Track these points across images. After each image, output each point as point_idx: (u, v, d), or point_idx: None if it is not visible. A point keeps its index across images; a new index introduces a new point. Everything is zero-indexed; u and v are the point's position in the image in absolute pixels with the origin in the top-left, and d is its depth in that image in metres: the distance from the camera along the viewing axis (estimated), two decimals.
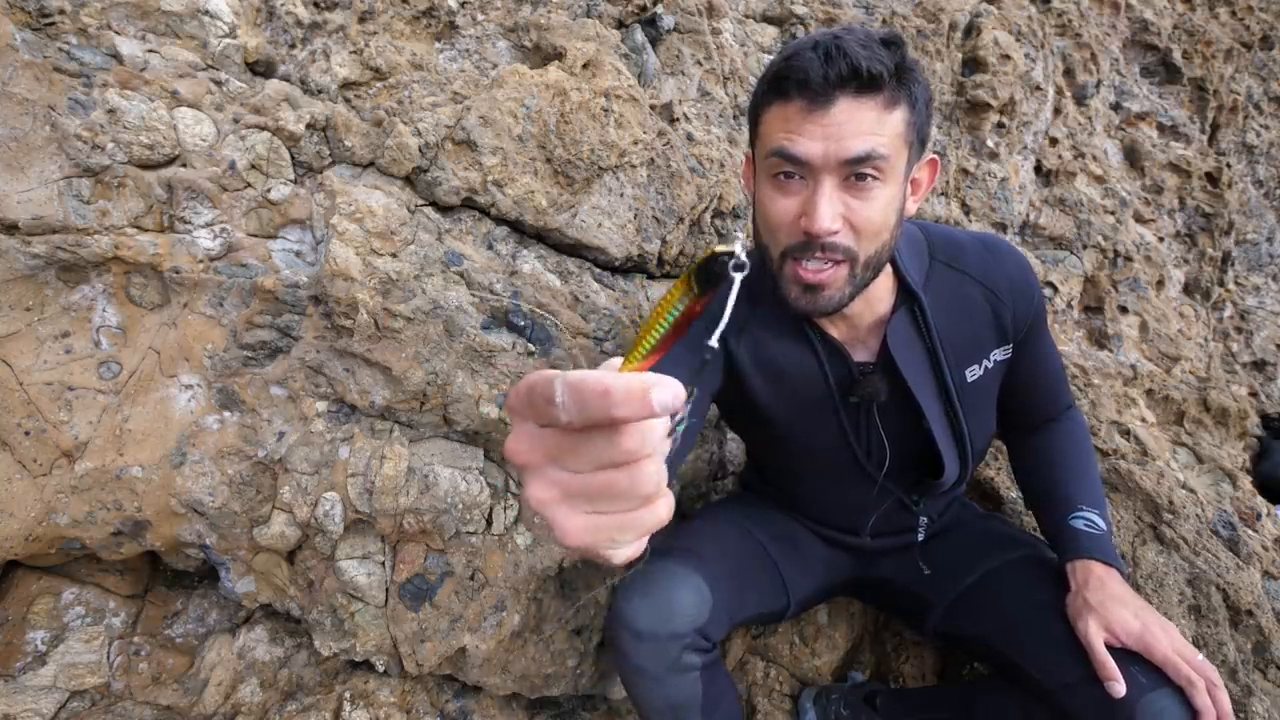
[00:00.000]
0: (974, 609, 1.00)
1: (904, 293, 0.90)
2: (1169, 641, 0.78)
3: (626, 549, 0.33)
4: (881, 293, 0.89)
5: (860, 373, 0.93)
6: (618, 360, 0.35)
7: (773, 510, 1.15)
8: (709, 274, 0.33)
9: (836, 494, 1.07)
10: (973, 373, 0.94)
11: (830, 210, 0.73)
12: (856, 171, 0.72)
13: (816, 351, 0.93)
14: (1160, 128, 2.08)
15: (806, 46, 0.72)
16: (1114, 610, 0.82)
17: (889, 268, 0.89)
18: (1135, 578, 1.20)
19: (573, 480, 0.32)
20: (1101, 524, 0.92)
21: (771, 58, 0.76)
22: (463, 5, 1.26)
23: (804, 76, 0.70)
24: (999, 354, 0.95)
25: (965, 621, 1.01)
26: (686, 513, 1.32)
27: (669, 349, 0.34)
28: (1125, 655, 0.79)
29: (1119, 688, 0.77)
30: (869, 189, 0.74)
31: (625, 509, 0.32)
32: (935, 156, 0.83)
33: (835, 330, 0.93)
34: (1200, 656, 0.77)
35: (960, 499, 1.15)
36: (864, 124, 0.71)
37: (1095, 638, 0.81)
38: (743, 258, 0.32)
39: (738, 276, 0.32)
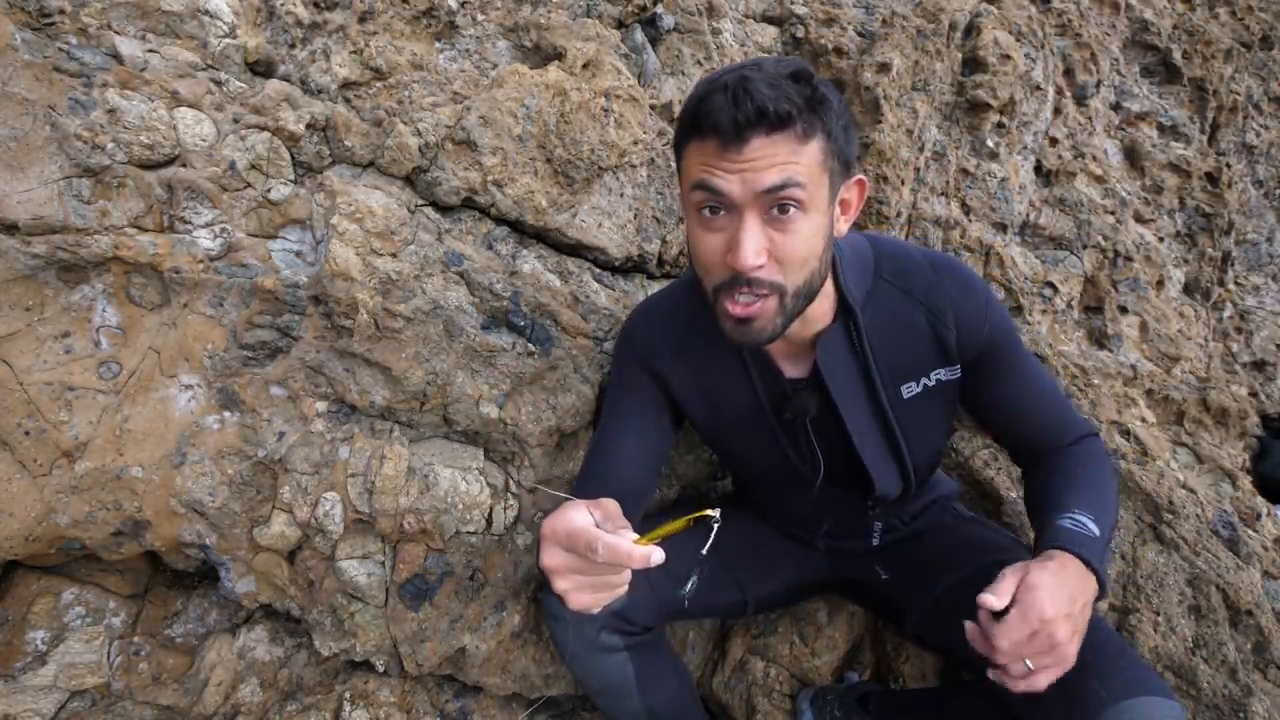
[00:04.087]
0: (945, 617, 1.00)
1: (842, 308, 0.91)
2: (1052, 616, 0.71)
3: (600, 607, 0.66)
4: (820, 309, 0.89)
5: (792, 389, 0.95)
6: (633, 535, 0.60)
7: (735, 512, 1.18)
8: (700, 520, 0.62)
9: (787, 500, 1.09)
10: (909, 389, 0.94)
11: (753, 245, 0.74)
12: (778, 203, 0.73)
13: (748, 369, 0.95)
14: (1160, 128, 2.08)
15: (717, 88, 0.73)
16: (1040, 572, 0.75)
17: (829, 283, 0.89)
18: (1135, 578, 1.20)
19: (584, 579, 0.63)
20: (1093, 527, 0.84)
21: (691, 93, 0.78)
22: (463, 5, 1.26)
23: (715, 120, 0.72)
24: (942, 374, 0.95)
25: (938, 627, 1.02)
26: None
27: (665, 542, 0.62)
28: (1088, 669, 0.77)
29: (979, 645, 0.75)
30: (791, 221, 0.75)
31: (610, 591, 0.64)
32: (862, 177, 0.84)
33: (772, 346, 0.93)
34: (1057, 656, 0.72)
35: (943, 502, 1.15)
36: (778, 157, 0.72)
37: (1010, 571, 0.76)
38: (718, 517, 0.63)
39: (716, 526, 0.63)
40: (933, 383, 0.95)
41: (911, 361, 0.94)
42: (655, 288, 1.32)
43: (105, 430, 0.97)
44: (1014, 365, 0.97)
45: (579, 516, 0.62)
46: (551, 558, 0.62)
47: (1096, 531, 0.84)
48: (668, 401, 1.01)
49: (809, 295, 0.81)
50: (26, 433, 0.94)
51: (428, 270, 1.07)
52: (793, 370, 0.95)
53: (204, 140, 1.00)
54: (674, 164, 0.88)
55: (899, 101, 1.57)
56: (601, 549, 0.57)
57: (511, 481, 1.13)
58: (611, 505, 0.65)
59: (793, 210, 0.74)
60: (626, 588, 0.65)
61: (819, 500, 1.04)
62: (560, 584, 0.62)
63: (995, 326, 0.94)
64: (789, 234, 0.75)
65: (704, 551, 0.67)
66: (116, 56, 0.98)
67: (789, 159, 0.72)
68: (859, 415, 0.94)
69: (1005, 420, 1.00)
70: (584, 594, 0.63)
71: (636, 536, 0.60)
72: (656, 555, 0.57)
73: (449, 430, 1.11)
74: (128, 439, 0.98)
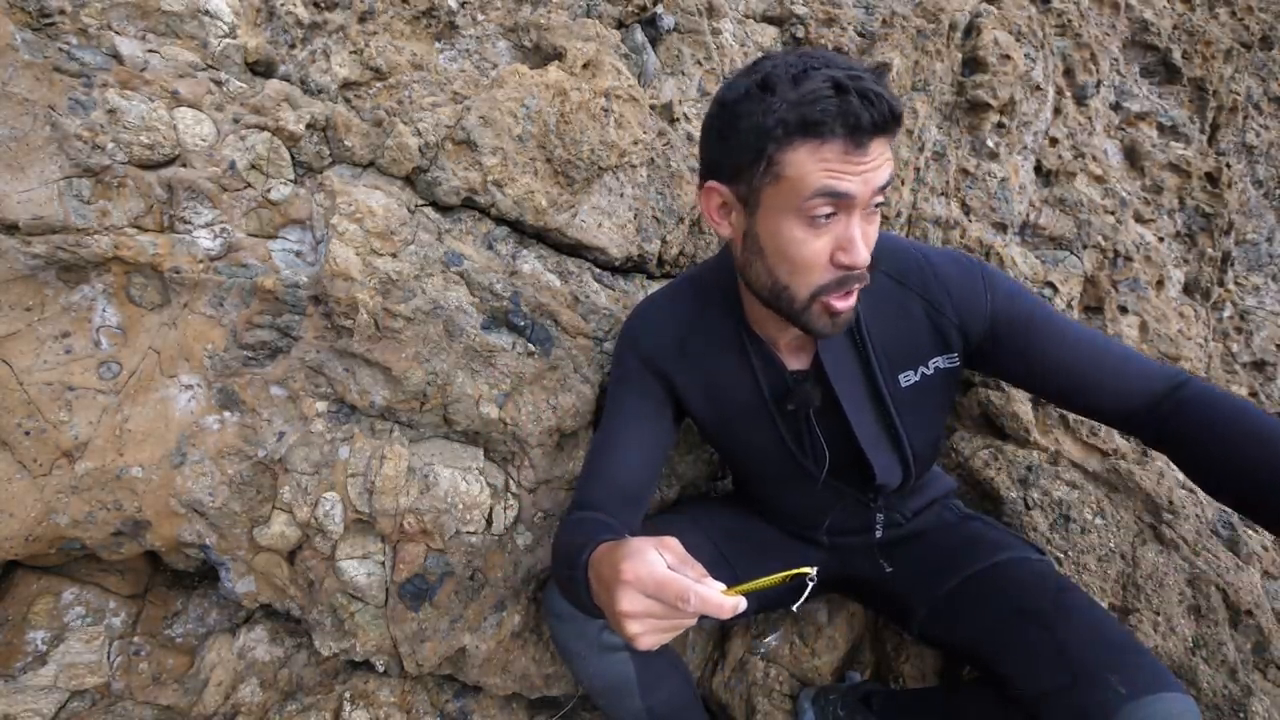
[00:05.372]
0: (954, 615, 1.01)
1: None
2: None
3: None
4: None
5: (794, 381, 0.95)
6: (719, 585, 0.60)
7: (735, 509, 1.18)
8: (797, 578, 0.61)
9: (789, 495, 1.09)
10: (907, 378, 0.95)
11: (864, 242, 0.77)
12: (877, 200, 0.77)
13: (751, 363, 0.96)
14: (1160, 128, 2.08)
15: (829, 88, 0.71)
16: None
17: None
18: (1135, 578, 1.20)
19: (659, 623, 0.62)
20: None
21: (778, 92, 0.74)
22: (463, 5, 1.26)
23: (853, 122, 0.71)
24: (941, 361, 0.96)
25: (946, 627, 1.02)
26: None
27: (757, 593, 0.62)
28: (1105, 665, 0.78)
29: None
30: (876, 215, 0.79)
31: (676, 631, 0.63)
32: None
33: (776, 338, 0.95)
34: None
35: (944, 499, 1.15)
36: (885, 155, 0.75)
37: None
38: (813, 575, 0.61)
39: (810, 584, 0.62)
40: (931, 371, 0.96)
41: (909, 351, 0.95)
42: (655, 288, 1.32)
43: (105, 430, 0.97)
44: (1051, 333, 0.91)
45: (657, 561, 0.61)
46: (632, 604, 0.61)
47: None
48: (670, 399, 1.01)
49: None
50: (26, 433, 0.94)
51: (428, 270, 1.07)
52: (794, 362, 0.96)
53: (204, 140, 1.00)
54: (722, 165, 0.82)
55: None
56: (694, 600, 0.57)
57: (511, 481, 1.13)
58: (676, 544, 0.64)
59: (880, 206, 0.78)
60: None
61: (821, 494, 1.04)
62: (634, 628, 0.62)
63: (1001, 302, 0.92)
64: (873, 226, 0.79)
65: (795, 608, 0.69)
66: (116, 56, 0.98)
67: (889, 156, 0.76)
68: (859, 404, 0.95)
69: (1075, 388, 0.92)
70: (655, 635, 0.63)
71: (724, 586, 0.60)
72: (741, 604, 0.58)
73: (449, 430, 1.11)
74: (128, 439, 0.98)
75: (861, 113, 0.70)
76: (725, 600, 0.57)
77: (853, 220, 0.76)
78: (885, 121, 0.71)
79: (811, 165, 0.74)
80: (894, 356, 0.95)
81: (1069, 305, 1.71)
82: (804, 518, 1.11)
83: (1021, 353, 0.93)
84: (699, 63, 1.46)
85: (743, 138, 0.77)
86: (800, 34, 1.64)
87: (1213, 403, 0.83)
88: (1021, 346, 0.93)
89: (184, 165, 0.99)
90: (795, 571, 0.60)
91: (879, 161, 0.74)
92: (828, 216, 0.76)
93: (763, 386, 0.97)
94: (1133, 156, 2.00)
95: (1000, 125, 1.71)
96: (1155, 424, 0.87)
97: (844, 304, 0.81)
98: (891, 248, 0.97)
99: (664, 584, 0.59)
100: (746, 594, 0.60)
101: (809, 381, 0.95)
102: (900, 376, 0.95)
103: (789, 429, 0.99)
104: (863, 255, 0.76)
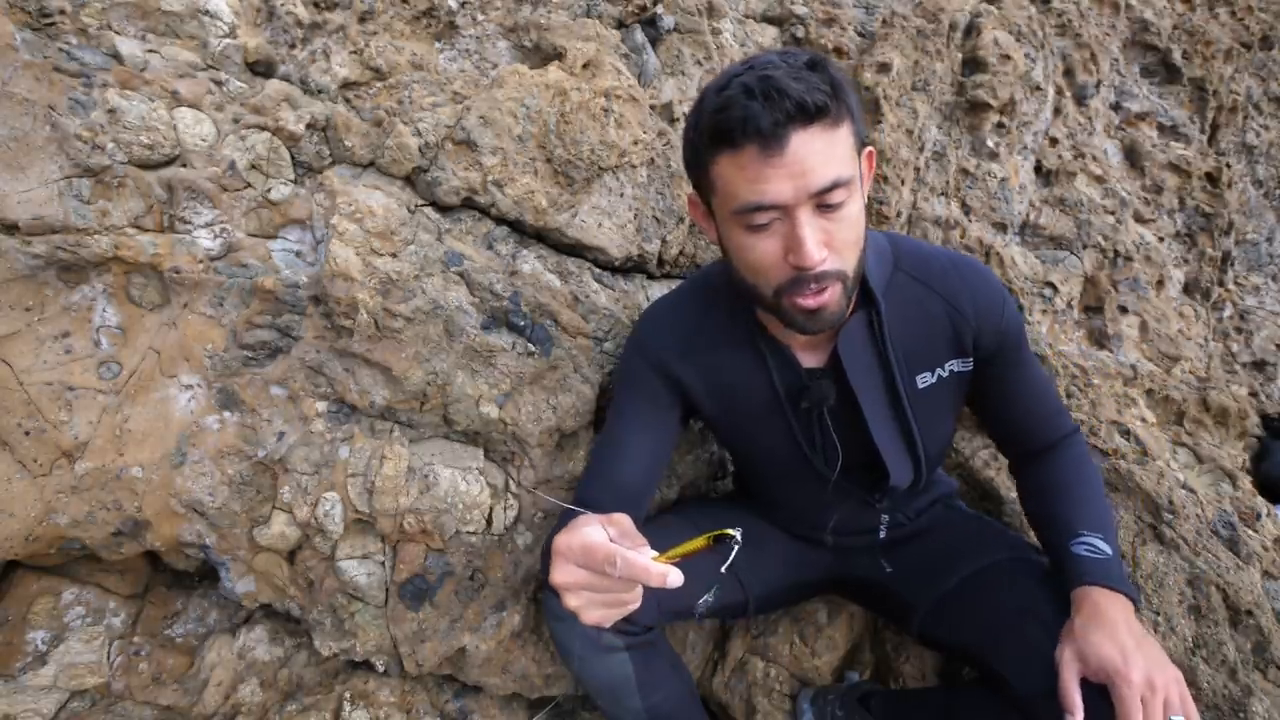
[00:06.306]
0: (954, 613, 1.01)
1: (863, 297, 0.92)
2: (1142, 680, 0.73)
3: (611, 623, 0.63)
4: None
5: (809, 378, 0.95)
6: (652, 551, 0.58)
7: (735, 510, 1.18)
8: (721, 540, 0.57)
9: (797, 495, 1.09)
10: (924, 379, 0.95)
11: (815, 241, 0.74)
12: (829, 198, 0.74)
13: (765, 360, 0.96)
14: (1160, 128, 2.08)
15: (740, 94, 0.71)
16: (1093, 637, 0.78)
17: None
18: (1135, 578, 1.20)
19: (594, 596, 0.61)
20: (1106, 548, 0.88)
21: (705, 104, 0.77)
22: (463, 5, 1.26)
23: (755, 126, 0.70)
24: (955, 365, 0.96)
25: (946, 626, 1.02)
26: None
27: (684, 560, 0.59)
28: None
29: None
30: (841, 209, 0.75)
31: (621, 608, 0.63)
32: (871, 148, 0.84)
33: (789, 335, 0.94)
34: (1170, 687, 0.73)
35: (946, 499, 1.15)
36: (821, 152, 0.72)
37: (1066, 666, 0.79)
38: (738, 538, 0.57)
39: (736, 547, 0.57)
40: (946, 373, 0.96)
41: (927, 352, 0.95)
42: (655, 287, 1.32)
43: (105, 430, 0.97)
44: (1020, 363, 0.99)
45: (594, 532, 0.60)
46: (564, 574, 0.60)
47: (1109, 550, 0.88)
48: (678, 401, 1.01)
49: (861, 271, 0.83)
50: (26, 433, 0.94)
51: (428, 270, 1.07)
52: (810, 360, 0.96)
53: (204, 140, 1.00)
54: (688, 176, 0.86)
55: (899, 101, 1.57)
56: (620, 564, 0.56)
57: (511, 481, 1.13)
58: (625, 520, 0.63)
59: (842, 201, 0.75)
60: (639, 604, 0.64)
61: (829, 494, 1.04)
62: (572, 601, 0.61)
63: (1010, 324, 0.95)
64: (840, 221, 0.76)
65: (723, 569, 0.65)
66: (116, 56, 0.98)
67: (830, 151, 0.72)
68: (876, 404, 0.94)
69: (1004, 414, 1.03)
70: (596, 610, 0.62)
71: (655, 554, 0.58)
72: (674, 577, 0.55)
73: (449, 430, 1.11)
74: (128, 439, 0.98)
75: (762, 115, 0.69)
76: (653, 566, 0.55)
77: (799, 220, 0.74)
78: (789, 117, 0.69)
79: (733, 175, 0.75)
80: (912, 357, 0.94)
81: (1069, 305, 1.71)
82: (810, 517, 1.11)
83: (1000, 378, 0.99)
84: (699, 63, 1.46)
85: (688, 153, 0.82)
86: (800, 34, 1.64)
87: (1054, 466, 1.01)
88: (999, 376, 0.98)
89: (184, 165, 0.99)
90: (719, 532, 0.58)
91: (810, 161, 0.71)
92: (767, 223, 0.76)
93: (776, 383, 0.96)
94: (1133, 156, 2.00)
95: (1000, 125, 1.71)
96: (1025, 462, 1.05)
97: (814, 301, 0.79)
98: (913, 249, 0.96)
99: (591, 549, 0.58)
100: (679, 560, 0.58)
101: (826, 378, 0.94)
102: (918, 378, 0.95)
103: (801, 427, 0.98)
104: (811, 255, 0.74)
